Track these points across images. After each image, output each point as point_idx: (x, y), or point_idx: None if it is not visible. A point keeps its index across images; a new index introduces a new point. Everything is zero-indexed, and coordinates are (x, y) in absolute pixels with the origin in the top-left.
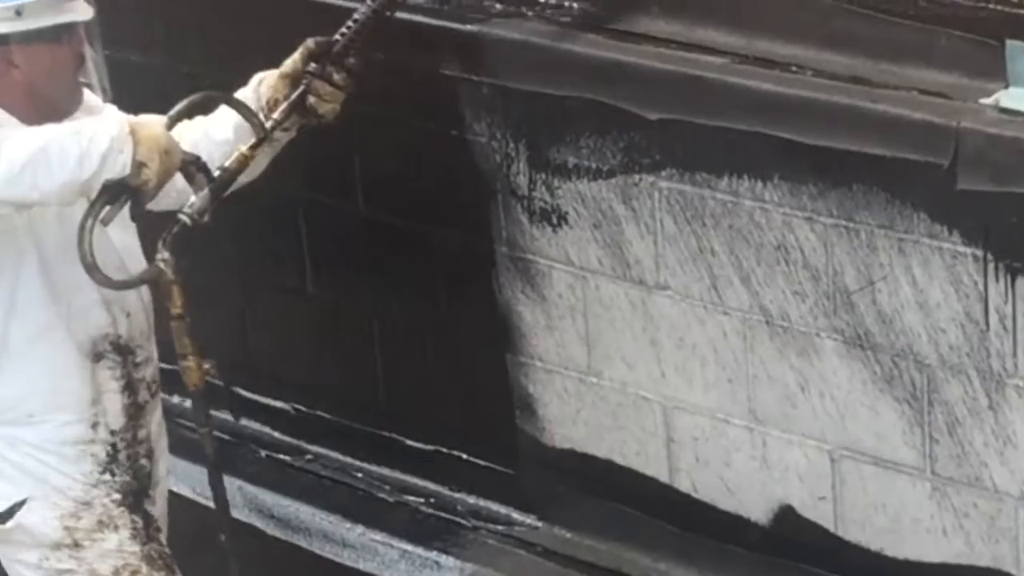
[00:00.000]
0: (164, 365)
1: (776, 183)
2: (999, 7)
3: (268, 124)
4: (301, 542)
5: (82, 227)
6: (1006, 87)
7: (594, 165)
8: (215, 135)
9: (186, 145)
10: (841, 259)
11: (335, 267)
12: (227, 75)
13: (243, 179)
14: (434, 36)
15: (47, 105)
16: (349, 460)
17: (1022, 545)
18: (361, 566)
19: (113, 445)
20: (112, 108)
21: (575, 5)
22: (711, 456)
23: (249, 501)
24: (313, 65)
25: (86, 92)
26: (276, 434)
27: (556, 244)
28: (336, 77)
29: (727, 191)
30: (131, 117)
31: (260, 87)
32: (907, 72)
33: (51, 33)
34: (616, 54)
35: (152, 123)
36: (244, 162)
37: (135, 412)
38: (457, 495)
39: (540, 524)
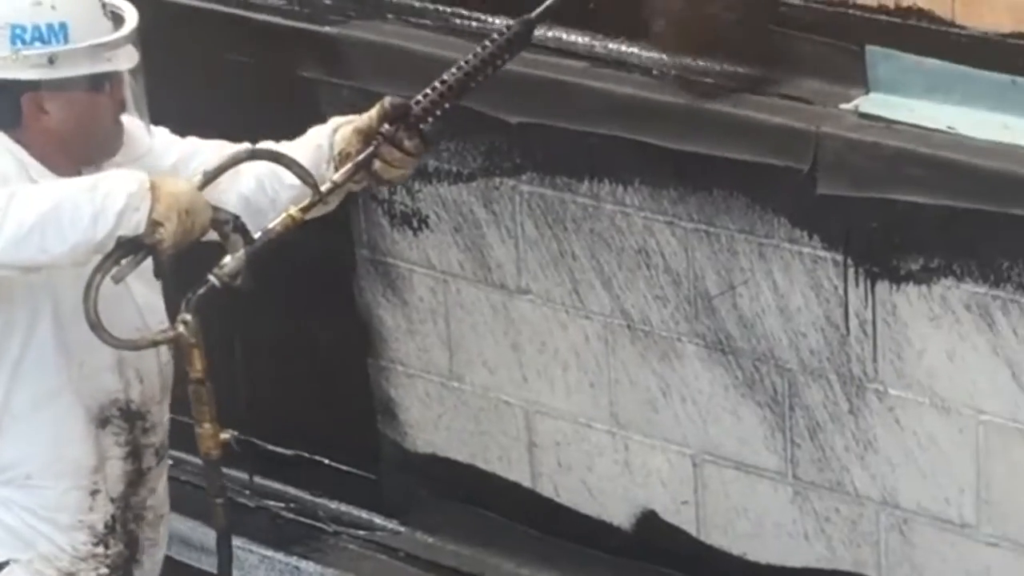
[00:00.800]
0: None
1: (637, 187)
2: (860, 12)
3: (325, 187)
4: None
5: (89, 283)
6: (866, 92)
7: (455, 168)
8: (285, 177)
9: (248, 180)
10: (702, 263)
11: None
12: None
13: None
14: (293, 38)
15: (79, 152)
16: None
17: (883, 549)
18: None
19: (113, 516)
20: (163, 131)
21: (437, 8)
22: (573, 461)
23: None
24: (386, 127)
25: (134, 123)
26: None
27: (417, 248)
28: (408, 144)
29: (588, 195)
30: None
31: (335, 136)
32: (770, 77)
33: (87, 82)
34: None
35: (178, 180)
36: (291, 225)
37: (137, 479)
38: (318, 500)
39: (402, 529)
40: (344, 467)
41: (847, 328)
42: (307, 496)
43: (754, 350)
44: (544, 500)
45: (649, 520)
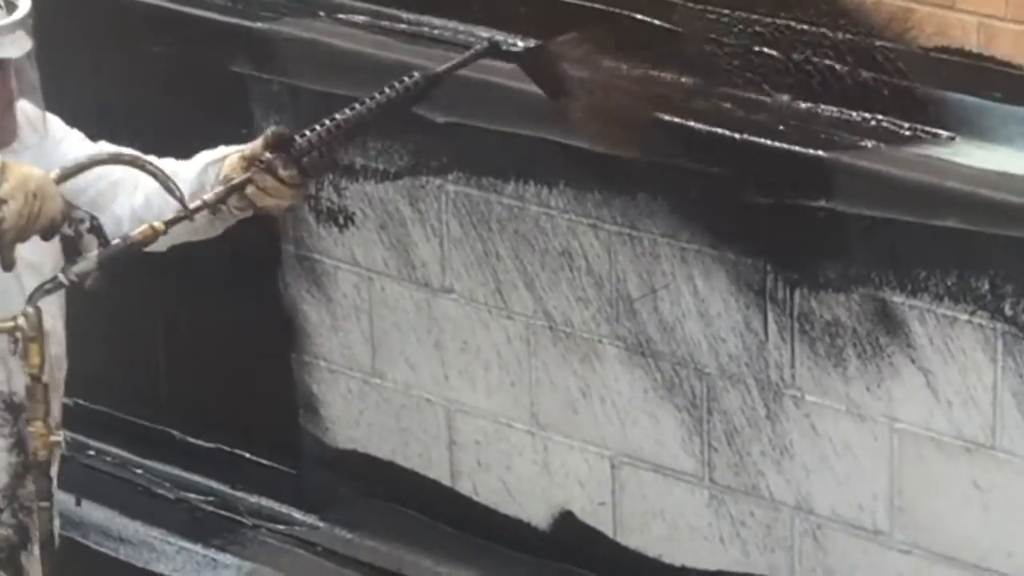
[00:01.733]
0: None
1: (561, 189)
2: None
3: (194, 204)
4: (79, 537)
5: None
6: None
7: (382, 167)
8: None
9: (139, 196)
10: (624, 266)
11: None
12: None
13: (195, 237)
14: (225, 33)
15: None
16: (129, 456)
17: (796, 554)
18: (138, 563)
19: None
20: (56, 120)
21: (368, 6)
22: (493, 460)
23: None
24: (268, 155)
25: (28, 111)
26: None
27: (342, 244)
28: (283, 173)
29: (513, 196)
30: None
31: (223, 162)
32: (690, 81)
33: None
34: (400, 55)
35: (34, 167)
36: (150, 235)
37: (23, 471)
38: (238, 493)
39: (321, 524)
40: (265, 461)
41: (766, 334)
42: (227, 489)
43: (674, 354)
44: (463, 498)
45: (566, 520)
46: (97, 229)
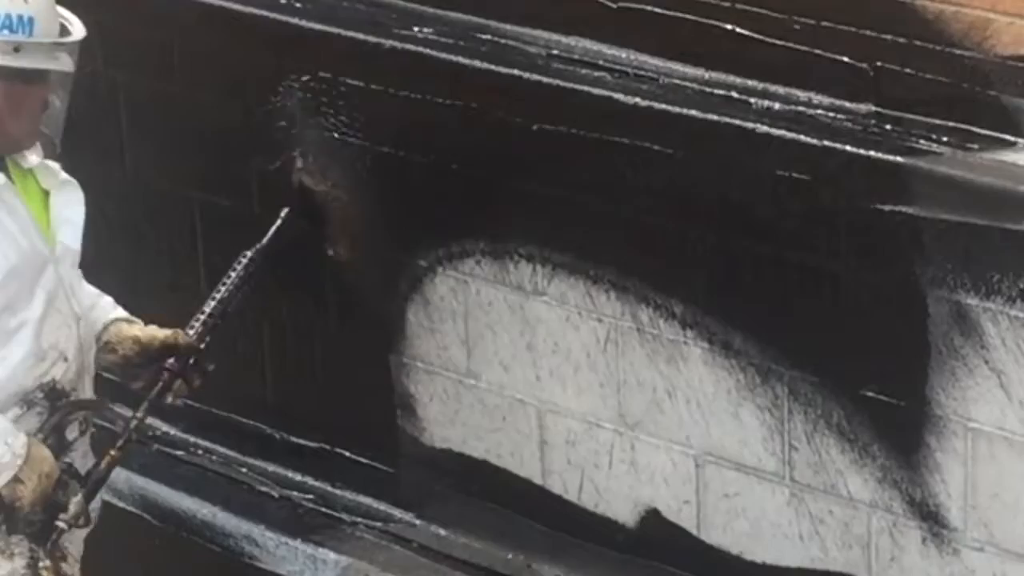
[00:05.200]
0: None
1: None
2: None
3: (133, 424)
4: (186, 533)
5: None
6: None
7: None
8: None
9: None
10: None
11: (227, 265)
12: None
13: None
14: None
15: (8, 138)
16: (235, 455)
17: (873, 551)
18: (242, 558)
19: None
20: (55, 167)
21: None
22: (582, 459)
23: (136, 492)
24: (171, 361)
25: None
26: (165, 427)
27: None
28: (198, 381)
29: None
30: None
31: (110, 327)
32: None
33: (36, 75)
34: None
35: (41, 446)
36: (114, 463)
37: (60, 450)
38: (338, 491)
39: (417, 521)
40: (364, 460)
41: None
42: (327, 487)
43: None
44: (553, 496)
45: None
46: (75, 472)
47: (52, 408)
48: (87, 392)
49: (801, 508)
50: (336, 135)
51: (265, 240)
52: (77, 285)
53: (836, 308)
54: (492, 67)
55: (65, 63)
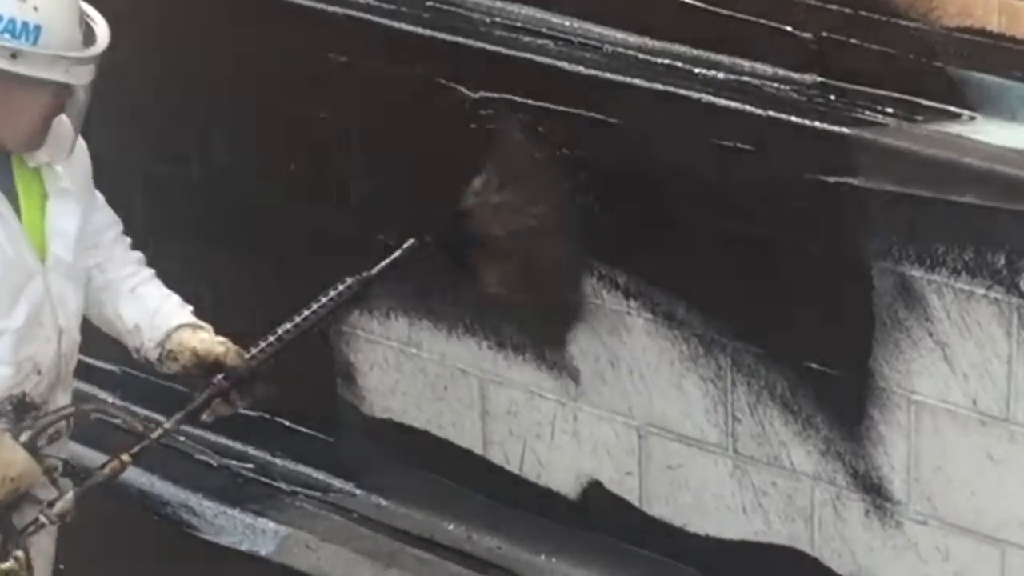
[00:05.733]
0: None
1: None
2: None
3: (156, 433)
4: (123, 502)
5: None
6: None
7: None
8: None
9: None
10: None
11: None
12: None
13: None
14: None
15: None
16: None
17: (816, 524)
18: (180, 526)
19: None
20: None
21: None
22: (524, 430)
23: (73, 461)
24: (220, 377)
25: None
26: (103, 395)
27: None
28: (240, 403)
29: None
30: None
31: (173, 334)
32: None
33: (33, 83)
34: None
35: (15, 447)
36: (119, 469)
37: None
38: (277, 460)
39: (357, 491)
40: (303, 429)
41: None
42: (266, 456)
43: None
44: (494, 467)
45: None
46: (71, 471)
47: (18, 420)
48: (58, 405)
49: (744, 480)
50: None
51: (375, 270)
52: (70, 296)
53: (780, 279)
54: (434, 33)
55: (74, 75)
